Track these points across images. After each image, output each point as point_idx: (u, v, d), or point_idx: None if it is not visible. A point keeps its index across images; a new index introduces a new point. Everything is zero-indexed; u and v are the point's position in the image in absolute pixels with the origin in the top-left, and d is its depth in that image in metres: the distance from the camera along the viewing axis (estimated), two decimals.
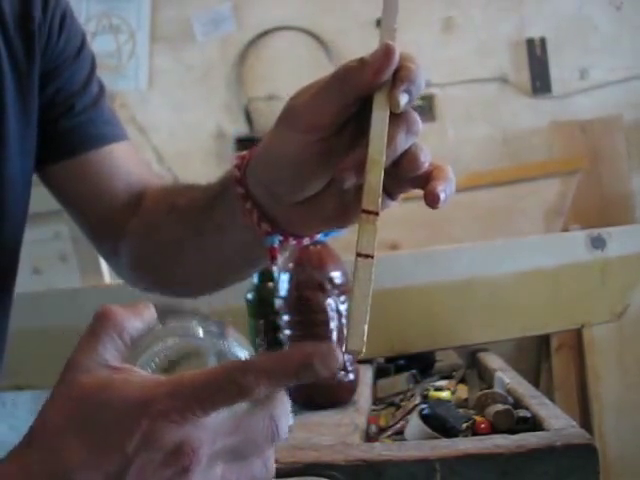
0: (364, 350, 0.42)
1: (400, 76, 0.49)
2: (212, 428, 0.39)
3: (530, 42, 2.56)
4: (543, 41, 2.55)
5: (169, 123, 2.64)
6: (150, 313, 0.46)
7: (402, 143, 0.50)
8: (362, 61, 0.50)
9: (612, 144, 2.45)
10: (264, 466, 0.42)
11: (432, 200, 0.49)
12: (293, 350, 0.40)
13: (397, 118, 0.49)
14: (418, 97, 0.50)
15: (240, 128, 2.60)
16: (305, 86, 0.54)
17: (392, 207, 0.55)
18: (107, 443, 0.39)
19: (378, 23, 2.90)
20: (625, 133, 2.45)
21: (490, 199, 2.32)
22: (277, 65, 2.59)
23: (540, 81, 2.55)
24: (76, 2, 2.57)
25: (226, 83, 2.64)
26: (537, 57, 2.55)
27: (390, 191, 0.53)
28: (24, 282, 0.85)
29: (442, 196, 0.49)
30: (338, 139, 0.54)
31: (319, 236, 0.98)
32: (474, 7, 2.57)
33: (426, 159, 0.51)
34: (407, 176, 0.51)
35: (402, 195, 0.55)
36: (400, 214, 2.33)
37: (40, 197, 0.83)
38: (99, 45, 2.61)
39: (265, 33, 2.62)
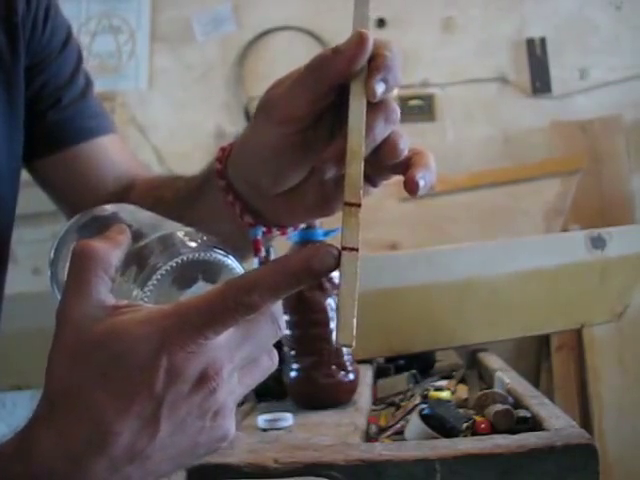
0: (354, 344, 0.42)
1: (375, 65, 0.48)
2: (226, 345, 0.41)
3: (530, 42, 2.56)
4: (543, 41, 2.55)
5: (169, 123, 2.64)
6: (127, 238, 0.46)
7: (381, 132, 0.49)
8: (335, 50, 0.49)
9: (612, 144, 2.45)
10: (270, 359, 0.45)
11: (411, 188, 0.48)
12: (291, 259, 0.41)
13: (375, 107, 0.48)
14: (396, 85, 0.49)
15: (240, 128, 2.59)
16: (281, 77, 0.54)
17: (372, 193, 0.55)
18: (134, 389, 0.40)
19: (378, 23, 2.87)
20: (625, 133, 2.45)
21: (490, 199, 2.32)
22: (277, 65, 2.58)
23: (540, 81, 2.55)
24: (76, 2, 2.57)
25: (226, 83, 2.64)
26: (537, 57, 2.55)
27: (371, 178, 0.53)
28: (24, 282, 0.85)
29: (421, 183, 0.48)
30: (316, 130, 0.53)
31: (321, 235, 0.98)
32: (474, 7, 2.57)
33: (405, 146, 0.50)
34: (387, 163, 0.51)
35: (384, 182, 0.55)
36: (400, 214, 2.33)
37: (40, 197, 0.83)
38: (99, 45, 2.61)
39: (265, 33, 2.62)
